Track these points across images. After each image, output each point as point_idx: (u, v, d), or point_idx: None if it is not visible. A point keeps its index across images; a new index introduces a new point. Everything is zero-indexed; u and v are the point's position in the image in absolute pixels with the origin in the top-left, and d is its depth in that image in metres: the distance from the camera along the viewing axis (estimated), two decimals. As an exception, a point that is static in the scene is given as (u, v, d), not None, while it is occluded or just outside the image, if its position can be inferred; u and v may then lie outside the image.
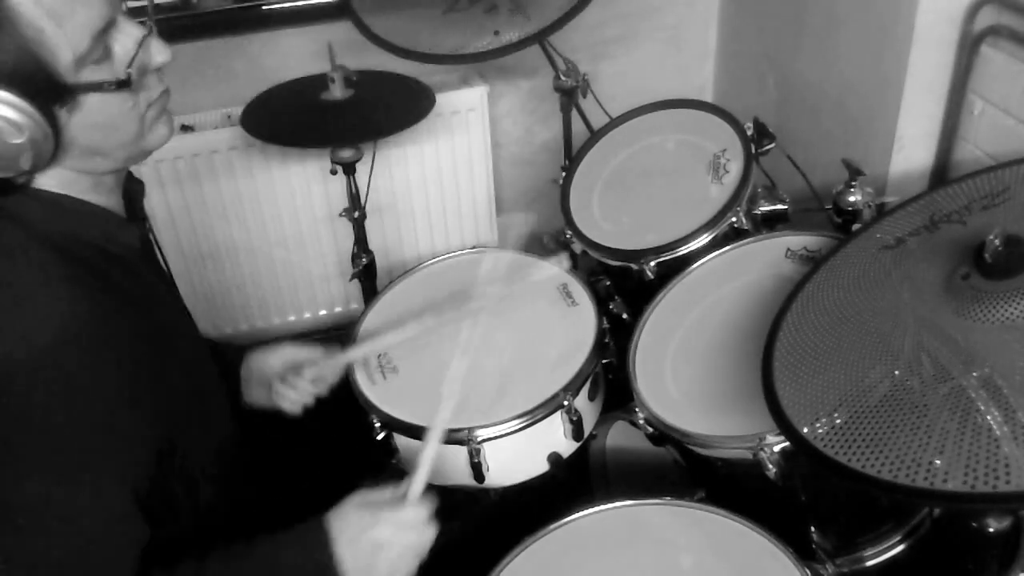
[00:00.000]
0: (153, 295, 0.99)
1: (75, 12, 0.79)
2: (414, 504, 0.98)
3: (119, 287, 0.90)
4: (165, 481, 0.92)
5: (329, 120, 1.73)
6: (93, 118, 0.84)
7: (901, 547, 1.23)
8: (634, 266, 1.49)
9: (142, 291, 0.95)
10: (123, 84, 0.84)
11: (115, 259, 0.92)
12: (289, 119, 1.74)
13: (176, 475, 0.94)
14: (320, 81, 1.75)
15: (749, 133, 1.54)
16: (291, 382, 1.21)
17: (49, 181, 0.87)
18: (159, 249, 1.12)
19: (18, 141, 0.78)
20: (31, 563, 0.84)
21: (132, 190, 1.01)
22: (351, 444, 1.35)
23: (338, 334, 2.32)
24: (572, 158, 1.76)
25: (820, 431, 0.87)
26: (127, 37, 0.85)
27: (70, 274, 0.85)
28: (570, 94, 1.90)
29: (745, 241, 1.43)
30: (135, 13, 0.88)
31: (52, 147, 0.81)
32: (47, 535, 0.83)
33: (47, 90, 0.79)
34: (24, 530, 0.82)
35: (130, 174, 1.01)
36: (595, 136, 1.74)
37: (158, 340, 0.93)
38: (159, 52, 0.88)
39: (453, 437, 1.29)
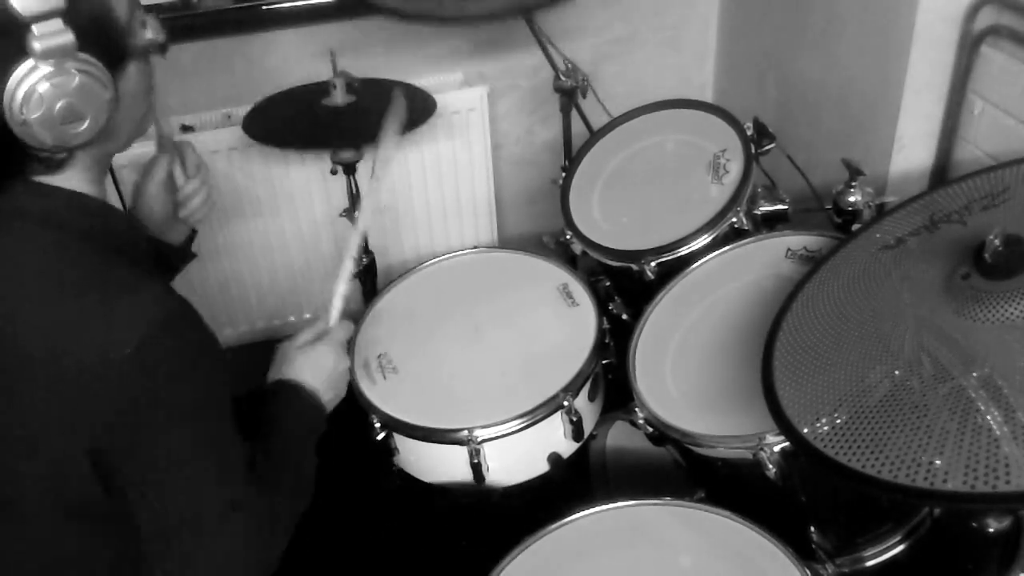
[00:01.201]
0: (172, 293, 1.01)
1: None
2: (338, 328, 1.17)
3: (161, 286, 0.91)
4: None
5: (331, 126, 1.74)
6: (130, 88, 0.87)
7: (901, 547, 1.23)
8: (634, 266, 1.49)
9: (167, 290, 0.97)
10: (163, 48, 0.90)
11: (140, 254, 0.95)
12: (291, 125, 1.75)
13: None
14: (322, 87, 1.75)
15: (749, 133, 1.54)
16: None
17: (75, 179, 0.88)
18: None
19: (104, 97, 0.82)
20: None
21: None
22: (351, 444, 1.35)
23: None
24: (572, 158, 1.76)
25: (820, 431, 0.87)
26: (138, 16, 0.89)
27: (134, 272, 0.87)
28: (570, 94, 1.89)
29: (745, 241, 1.43)
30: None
31: (112, 114, 0.84)
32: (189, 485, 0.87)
33: (115, 49, 0.83)
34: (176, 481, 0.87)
35: None
36: (595, 136, 1.74)
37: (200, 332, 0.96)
38: (159, 31, 0.92)
39: (453, 437, 1.29)
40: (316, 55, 2.07)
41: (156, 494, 0.86)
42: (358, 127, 1.72)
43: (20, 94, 0.77)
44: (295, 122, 1.75)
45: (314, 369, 1.11)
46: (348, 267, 1.21)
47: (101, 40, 0.81)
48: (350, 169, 1.81)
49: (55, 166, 0.86)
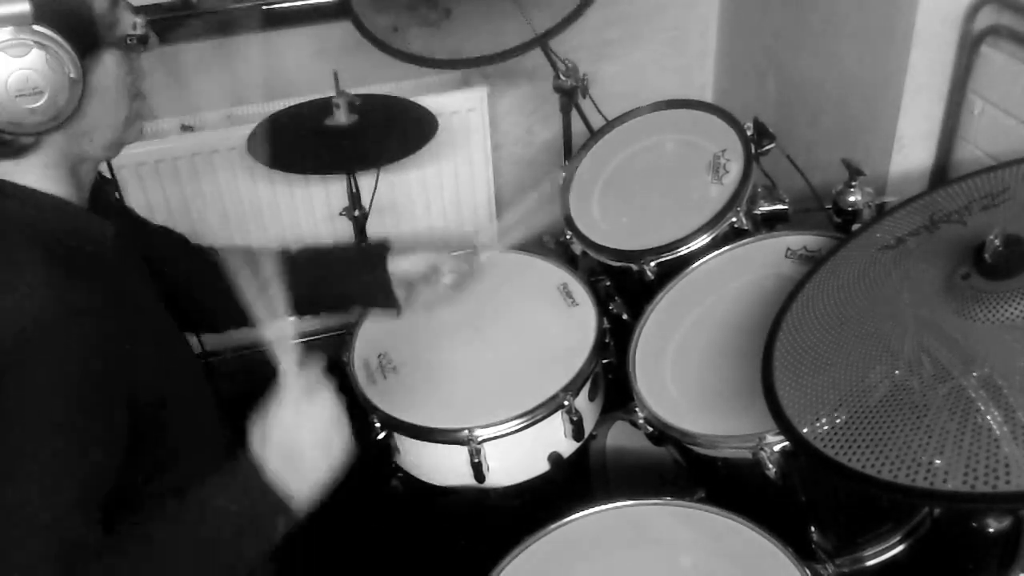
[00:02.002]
0: (128, 291, 0.99)
1: None
2: (295, 382, 0.92)
3: (92, 279, 0.88)
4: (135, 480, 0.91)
5: (334, 148, 1.75)
6: (104, 81, 0.86)
7: (901, 547, 1.23)
8: (634, 266, 1.49)
9: (115, 286, 0.94)
10: (143, 40, 0.89)
11: (89, 255, 0.92)
12: (295, 148, 1.76)
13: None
14: (324, 105, 1.76)
15: (749, 133, 1.54)
16: (432, 282, 1.32)
17: (31, 175, 0.87)
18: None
19: (64, 76, 0.80)
20: None
21: (101, 188, 1.02)
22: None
23: (339, 334, 2.32)
24: (572, 158, 1.76)
25: (820, 431, 0.87)
26: (125, 16, 0.89)
27: (44, 262, 0.84)
28: (570, 94, 1.89)
29: (745, 241, 1.43)
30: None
31: (76, 99, 0.82)
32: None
33: (84, 34, 0.82)
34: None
35: (100, 173, 1.02)
36: (595, 136, 1.74)
37: (131, 331, 0.91)
38: (141, 26, 0.91)
39: (453, 437, 1.29)
40: (316, 55, 2.08)
41: None
42: (362, 148, 1.73)
43: None
44: (299, 145, 1.76)
45: (272, 448, 0.89)
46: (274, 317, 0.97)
47: (68, 19, 0.80)
48: (351, 171, 1.81)
49: (16, 151, 0.85)
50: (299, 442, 0.90)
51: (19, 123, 0.81)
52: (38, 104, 0.80)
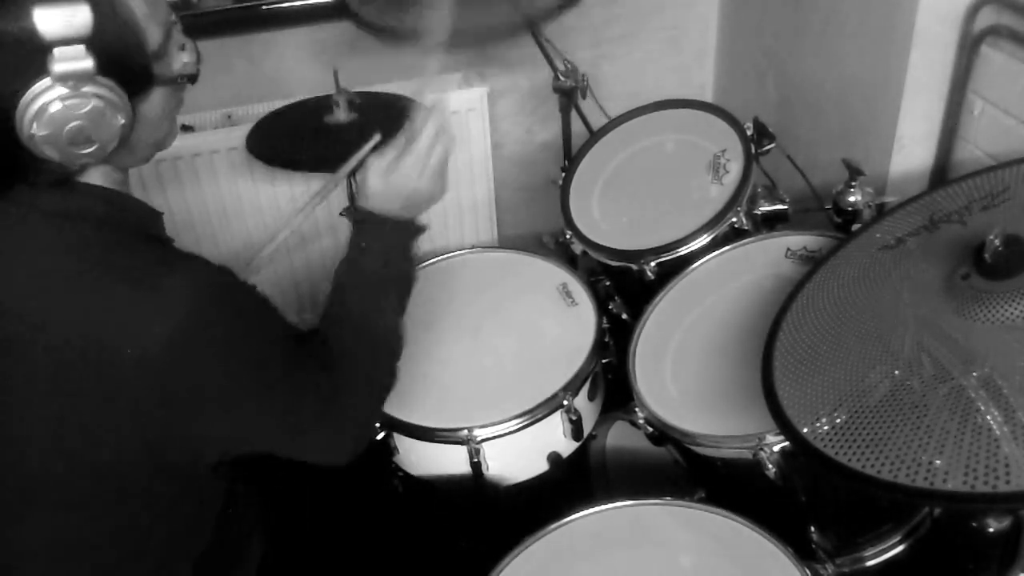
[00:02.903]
0: (207, 265, 1.02)
1: (160, 5, 0.85)
2: (426, 130, 1.09)
3: (190, 264, 0.92)
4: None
5: (334, 144, 1.74)
6: (152, 112, 0.88)
7: (901, 547, 1.23)
8: (634, 266, 1.49)
9: (200, 264, 0.98)
10: (193, 79, 0.91)
11: (170, 247, 0.96)
12: (294, 145, 1.76)
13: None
14: (324, 103, 1.76)
15: (749, 133, 1.54)
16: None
17: (94, 178, 0.89)
18: None
19: (115, 126, 0.82)
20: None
21: None
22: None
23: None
24: (572, 158, 1.76)
25: (820, 431, 0.87)
26: (175, 41, 0.90)
27: (162, 259, 0.88)
28: (570, 94, 1.89)
29: (745, 241, 1.43)
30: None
31: (128, 135, 0.85)
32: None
33: (138, 77, 0.84)
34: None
35: None
36: (595, 136, 1.74)
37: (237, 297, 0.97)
38: (192, 53, 0.93)
39: (453, 437, 1.29)
40: (316, 55, 2.08)
41: (237, 439, 0.92)
42: (362, 146, 1.72)
43: (32, 109, 0.78)
44: (298, 142, 1.75)
45: (403, 195, 1.08)
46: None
47: (125, 67, 0.82)
48: (351, 171, 1.81)
49: (61, 180, 0.86)
50: (419, 189, 1.08)
51: (68, 162, 0.83)
52: (89, 150, 0.82)
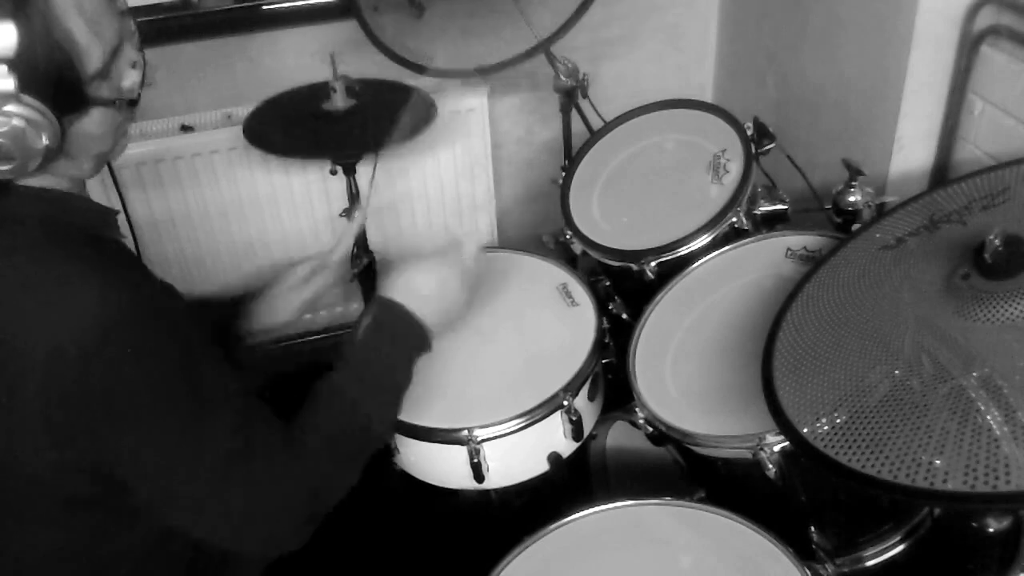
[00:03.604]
0: (147, 278, 1.00)
1: (106, 27, 0.83)
2: (455, 256, 1.16)
3: (126, 272, 0.91)
4: None
5: (332, 132, 1.74)
6: (90, 129, 0.86)
7: (901, 547, 1.23)
8: (634, 266, 1.49)
9: (139, 275, 0.96)
10: (133, 103, 0.89)
11: (115, 247, 0.94)
12: (292, 132, 1.75)
13: None
14: (322, 90, 1.75)
15: (749, 133, 1.54)
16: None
17: (35, 181, 0.88)
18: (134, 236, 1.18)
19: (38, 146, 0.80)
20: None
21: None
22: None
23: (339, 334, 2.32)
24: (572, 158, 1.76)
25: (820, 431, 0.87)
26: (125, 58, 0.88)
27: (90, 262, 0.86)
28: (570, 94, 1.89)
29: (745, 241, 1.43)
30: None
31: (55, 153, 0.83)
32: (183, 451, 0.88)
33: (70, 98, 0.82)
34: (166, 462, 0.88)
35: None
36: (595, 136, 1.74)
37: (179, 311, 0.96)
38: (150, 75, 0.92)
39: (453, 437, 1.29)
40: (316, 55, 2.07)
41: (146, 468, 0.87)
42: (359, 133, 1.72)
43: None
44: (296, 129, 1.75)
45: (429, 298, 1.11)
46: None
47: (55, 88, 0.80)
48: (350, 169, 1.81)
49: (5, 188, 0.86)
50: (446, 301, 1.13)
51: (25, 171, 0.83)
52: (7, 167, 0.81)
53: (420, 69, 1.79)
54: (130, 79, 0.88)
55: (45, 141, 0.80)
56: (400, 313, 1.09)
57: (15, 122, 0.78)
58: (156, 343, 0.86)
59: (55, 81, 0.79)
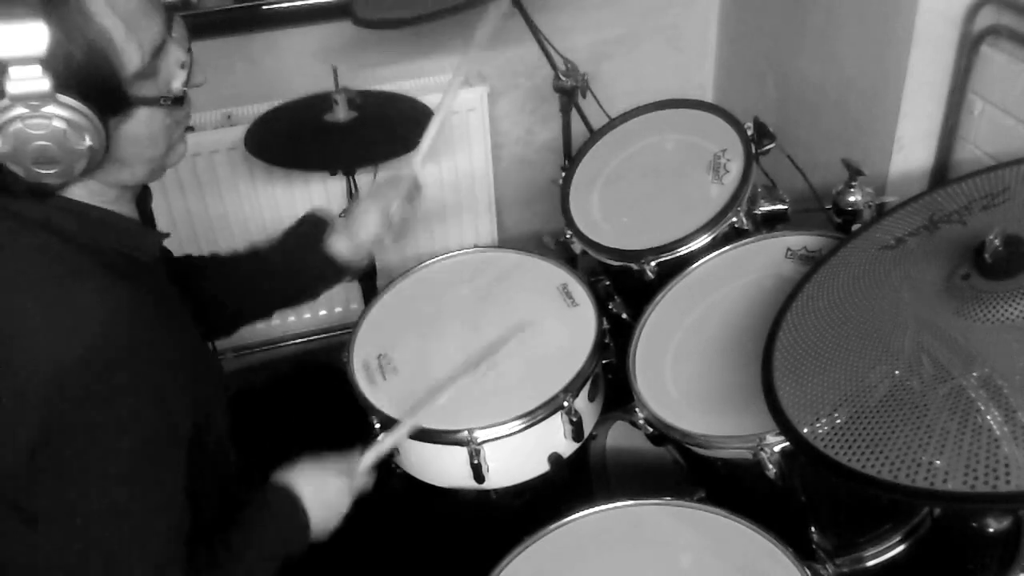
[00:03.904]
0: (172, 299, 1.01)
1: (144, 25, 0.82)
2: (360, 474, 1.15)
3: (147, 290, 0.90)
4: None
5: (332, 143, 1.75)
6: (136, 130, 0.86)
7: (901, 547, 1.23)
8: (634, 266, 1.49)
9: (164, 295, 0.97)
10: (178, 101, 0.88)
11: (141, 266, 0.94)
12: (293, 144, 1.75)
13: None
14: (324, 101, 1.76)
15: (749, 133, 1.54)
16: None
17: (78, 191, 0.88)
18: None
19: (81, 147, 0.80)
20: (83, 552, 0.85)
21: (142, 198, 1.03)
22: (351, 444, 1.35)
23: (339, 334, 2.32)
24: (572, 158, 1.76)
25: (820, 431, 0.87)
26: (171, 57, 0.88)
27: (104, 275, 0.85)
28: (570, 94, 1.89)
29: (745, 241, 1.43)
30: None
31: (101, 156, 0.82)
32: (104, 529, 0.85)
33: (111, 98, 0.81)
34: (81, 527, 0.84)
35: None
36: (595, 136, 1.74)
37: (181, 340, 0.95)
38: (198, 75, 0.91)
39: (453, 438, 1.29)
40: (317, 55, 2.08)
41: (64, 534, 0.84)
42: (361, 145, 1.72)
43: None
44: (297, 140, 1.75)
45: (318, 490, 1.07)
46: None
47: (94, 88, 0.79)
48: (350, 170, 1.81)
49: (41, 195, 0.85)
50: (330, 499, 1.09)
51: (37, 181, 0.82)
52: (54, 171, 0.81)
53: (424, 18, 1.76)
54: (178, 79, 0.88)
55: (88, 142, 0.80)
56: (293, 501, 1.05)
57: (55, 123, 0.77)
58: (132, 409, 0.84)
59: (93, 81, 0.79)
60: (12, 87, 0.75)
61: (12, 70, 0.75)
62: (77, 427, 0.81)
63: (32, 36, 0.74)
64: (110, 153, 0.84)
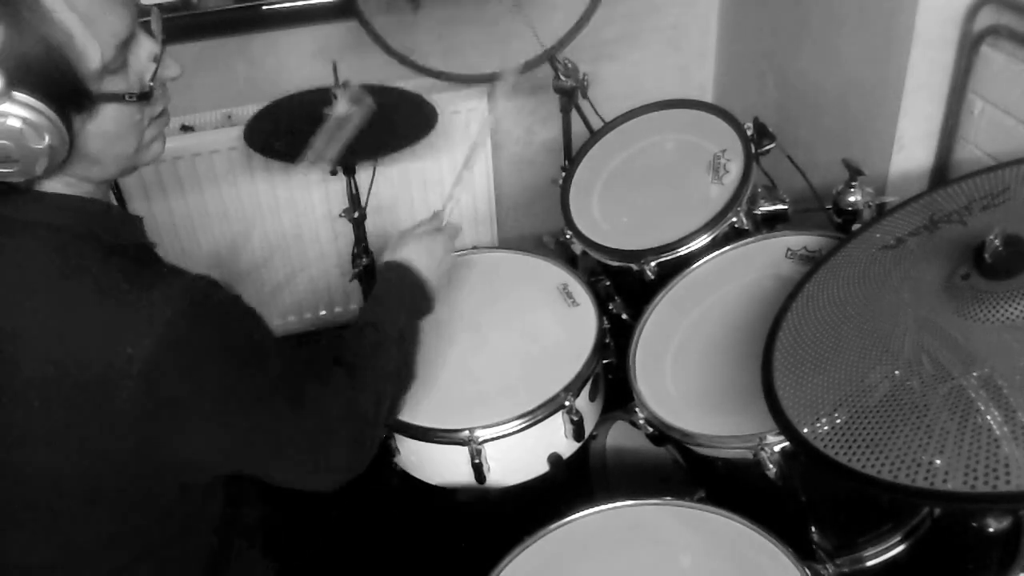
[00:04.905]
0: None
1: (105, 19, 0.80)
2: (452, 225, 1.31)
3: (165, 271, 0.90)
4: None
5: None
6: (104, 127, 0.84)
7: (901, 547, 1.23)
8: (634, 266, 1.49)
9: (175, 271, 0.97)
10: (144, 96, 0.86)
11: (144, 250, 0.94)
12: (293, 137, 1.75)
13: None
14: (324, 95, 1.75)
15: (749, 133, 1.54)
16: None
17: (53, 185, 0.87)
18: None
19: (39, 146, 0.78)
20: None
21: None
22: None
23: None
24: (572, 158, 1.76)
25: (820, 431, 0.87)
26: (142, 50, 0.86)
27: (135, 274, 0.85)
28: (570, 94, 1.90)
29: (745, 241, 1.43)
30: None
31: (64, 155, 0.81)
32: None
33: (71, 96, 0.80)
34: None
35: None
36: (595, 136, 1.74)
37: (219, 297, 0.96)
38: (170, 67, 0.89)
39: (454, 438, 1.29)
40: (317, 55, 2.08)
41: (221, 456, 0.91)
42: (360, 140, 1.72)
43: None
44: (297, 134, 1.75)
45: (426, 254, 1.22)
46: (464, 169, 1.32)
47: (51, 86, 0.77)
48: (350, 169, 1.81)
49: (16, 192, 0.84)
50: (438, 256, 1.25)
51: (4, 181, 0.81)
52: (13, 169, 0.79)
53: (432, 73, 1.79)
54: (150, 73, 0.86)
55: (48, 141, 0.78)
56: (404, 271, 1.21)
57: (10, 122, 0.76)
58: (222, 340, 0.87)
59: (51, 78, 0.77)
60: None
61: None
62: (184, 399, 0.84)
63: None
64: (77, 150, 0.82)
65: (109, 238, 0.88)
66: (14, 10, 0.74)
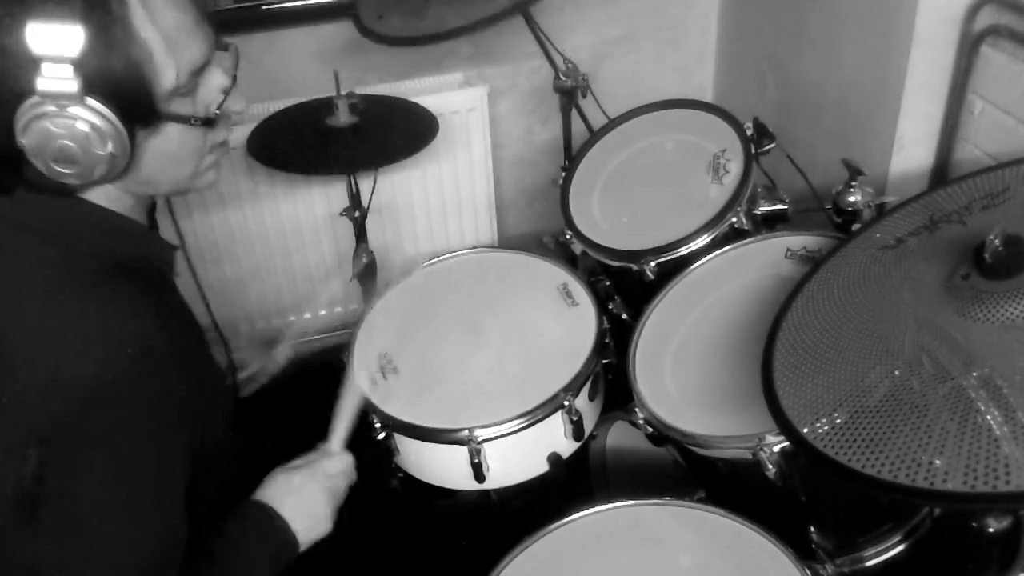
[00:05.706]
0: (180, 308, 1.02)
1: (186, 44, 0.84)
2: (337, 454, 1.14)
3: (164, 302, 0.92)
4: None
5: (334, 148, 1.74)
6: (165, 146, 0.87)
7: (901, 547, 1.23)
8: (634, 266, 1.49)
9: (177, 305, 0.99)
10: (208, 122, 0.89)
11: (159, 275, 0.96)
12: (295, 148, 1.75)
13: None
14: (325, 106, 1.76)
15: (749, 133, 1.54)
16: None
17: (95, 195, 0.89)
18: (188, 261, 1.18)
19: (101, 152, 0.80)
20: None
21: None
22: (351, 444, 1.35)
23: (339, 334, 2.32)
24: (572, 158, 1.76)
25: (820, 431, 0.87)
26: (213, 80, 0.90)
27: (112, 287, 0.86)
28: (570, 94, 1.90)
29: (745, 241, 1.43)
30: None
31: (124, 165, 0.83)
32: (108, 543, 0.86)
33: (140, 110, 0.82)
34: (85, 540, 0.85)
35: None
36: (595, 136, 1.74)
37: (191, 351, 0.97)
38: (237, 101, 0.92)
39: (454, 437, 1.29)
40: (316, 55, 2.08)
41: (68, 545, 0.84)
42: (362, 151, 1.72)
43: (22, 121, 0.78)
44: (299, 145, 1.75)
45: (295, 499, 1.05)
46: (352, 400, 1.19)
47: (122, 97, 0.80)
48: (351, 174, 1.81)
49: (58, 191, 0.86)
50: (311, 502, 1.07)
51: (57, 179, 0.83)
52: (73, 171, 0.81)
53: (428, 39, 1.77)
54: (216, 103, 0.89)
55: (110, 148, 0.80)
56: (271, 515, 1.04)
57: (79, 125, 0.78)
58: (159, 397, 0.85)
59: (124, 90, 0.80)
60: (42, 84, 0.76)
61: (44, 67, 0.76)
62: (79, 436, 0.81)
63: (67, 37, 0.75)
64: (134, 163, 0.84)
65: (121, 255, 0.90)
66: (103, 21, 0.77)
